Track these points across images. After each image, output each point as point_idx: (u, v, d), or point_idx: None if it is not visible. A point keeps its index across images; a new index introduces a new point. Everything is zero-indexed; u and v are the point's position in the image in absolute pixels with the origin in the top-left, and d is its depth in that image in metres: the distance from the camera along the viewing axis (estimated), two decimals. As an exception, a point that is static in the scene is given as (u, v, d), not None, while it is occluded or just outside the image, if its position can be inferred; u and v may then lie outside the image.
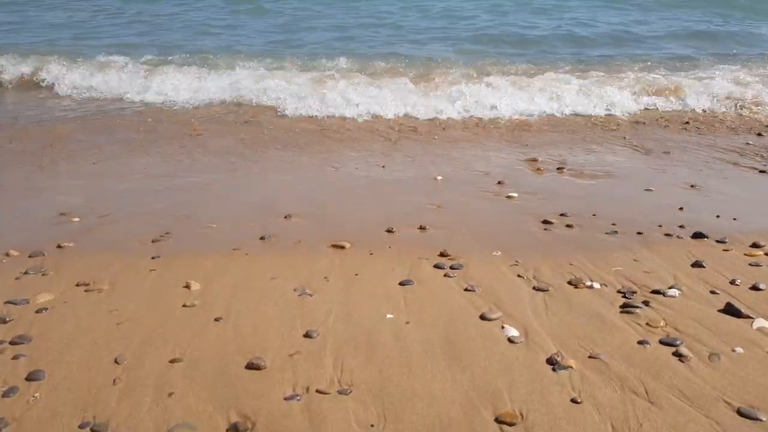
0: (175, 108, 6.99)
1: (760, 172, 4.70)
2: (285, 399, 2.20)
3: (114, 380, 2.30)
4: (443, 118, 6.45)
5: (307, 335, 2.58)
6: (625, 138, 5.68)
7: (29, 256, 3.35)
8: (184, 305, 2.82)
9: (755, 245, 3.38)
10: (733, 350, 2.43)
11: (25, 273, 3.16)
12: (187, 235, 3.64)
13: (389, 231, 3.65)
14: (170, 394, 2.23)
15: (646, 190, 4.32)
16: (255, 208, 4.07)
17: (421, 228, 3.70)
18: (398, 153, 5.30)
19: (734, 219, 3.78)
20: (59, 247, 3.47)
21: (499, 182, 4.47)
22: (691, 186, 4.39)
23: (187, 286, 2.99)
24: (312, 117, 6.57)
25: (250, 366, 2.38)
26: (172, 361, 2.41)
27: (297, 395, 2.22)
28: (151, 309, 2.80)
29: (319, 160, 5.12)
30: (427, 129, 6.10)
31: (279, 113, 6.71)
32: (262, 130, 6.08)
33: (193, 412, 2.14)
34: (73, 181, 4.62)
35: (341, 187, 4.48)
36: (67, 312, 2.78)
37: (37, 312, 2.78)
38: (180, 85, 7.56)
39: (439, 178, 4.61)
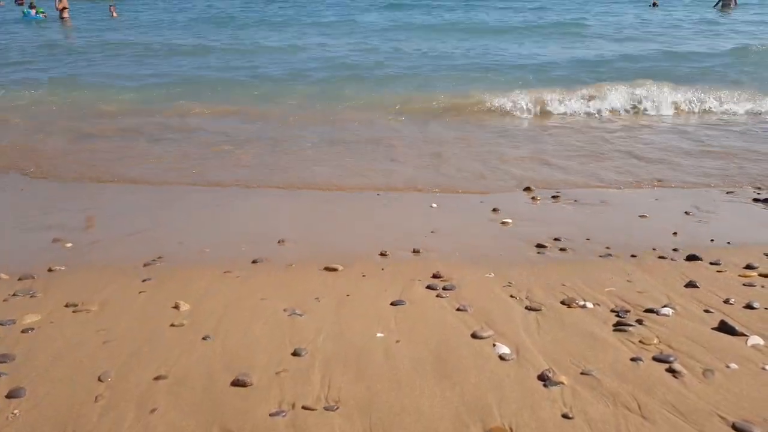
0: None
1: (754, 200, 4.70)
2: (270, 415, 2.16)
3: (96, 397, 2.26)
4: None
5: (295, 353, 2.54)
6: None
7: (18, 279, 3.33)
8: (172, 325, 2.79)
9: (749, 266, 3.36)
10: (728, 366, 2.39)
11: (14, 295, 3.14)
12: (180, 259, 3.62)
13: (382, 254, 3.64)
14: (153, 411, 2.18)
15: (640, 216, 4.32)
16: (249, 233, 4.07)
17: (415, 251, 3.68)
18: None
19: (728, 243, 3.77)
20: (50, 270, 3.46)
21: (494, 209, 4.48)
22: (685, 212, 4.39)
23: (176, 307, 2.97)
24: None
25: (236, 383, 2.34)
26: (156, 378, 2.37)
27: (282, 411, 2.17)
28: (139, 328, 2.77)
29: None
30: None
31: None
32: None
33: (176, 428, 2.10)
34: (68, 207, 4.63)
35: (336, 213, 4.48)
36: (54, 332, 2.75)
37: (23, 332, 2.74)
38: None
39: (434, 205, 4.62)
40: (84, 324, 2.82)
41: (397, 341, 2.64)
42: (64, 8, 25.12)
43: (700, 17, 22.83)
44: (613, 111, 8.09)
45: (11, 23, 24.18)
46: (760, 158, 5.86)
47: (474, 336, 2.67)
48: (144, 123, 7.63)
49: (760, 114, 7.80)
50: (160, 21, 23.05)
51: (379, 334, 2.70)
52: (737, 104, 8.10)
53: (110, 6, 28.30)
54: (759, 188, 4.97)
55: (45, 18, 25.68)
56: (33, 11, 26.21)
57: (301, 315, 2.88)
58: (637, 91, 8.30)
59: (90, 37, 17.56)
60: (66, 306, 3.00)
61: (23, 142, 6.76)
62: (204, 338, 2.66)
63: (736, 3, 29.21)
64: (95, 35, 18.20)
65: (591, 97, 8.27)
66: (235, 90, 9.67)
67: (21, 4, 35.01)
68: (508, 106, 8.06)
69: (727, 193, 4.86)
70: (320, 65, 11.83)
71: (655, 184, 5.15)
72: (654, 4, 32.06)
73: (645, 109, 8.08)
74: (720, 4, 29.56)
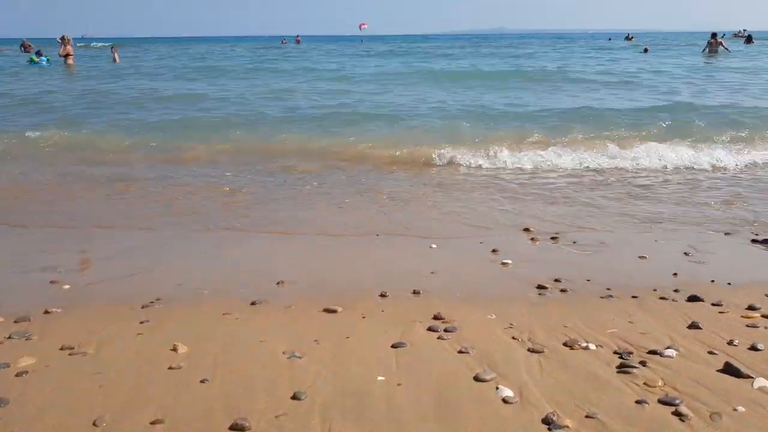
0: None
1: (752, 241, 4.71)
2: (269, 461, 2.10)
3: (91, 442, 2.20)
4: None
5: (294, 397, 2.50)
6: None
7: (14, 321, 3.29)
8: (170, 367, 2.74)
9: (751, 307, 3.34)
10: (735, 409, 2.35)
11: (9, 337, 3.09)
12: (178, 301, 3.59)
13: (382, 295, 3.62)
14: (149, 456, 2.13)
15: (639, 257, 4.31)
16: (247, 274, 4.05)
17: (415, 292, 3.66)
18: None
19: (729, 283, 3.76)
20: (47, 312, 3.42)
21: (493, 250, 4.47)
22: (684, 253, 4.39)
23: (174, 349, 2.92)
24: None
25: (235, 427, 2.29)
26: (153, 423, 2.32)
27: (282, 457, 2.12)
28: (136, 371, 2.72)
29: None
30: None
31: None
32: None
33: (172, 475, 2.04)
34: (65, 249, 4.61)
35: (335, 253, 4.47)
36: (49, 375, 2.70)
37: (17, 375, 2.69)
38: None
39: (434, 246, 4.61)
40: (80, 367, 2.77)
41: (399, 384, 2.60)
42: (68, 54, 25.58)
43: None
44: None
45: (20, 68, 24.65)
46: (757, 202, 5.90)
47: (476, 379, 2.63)
48: (141, 165, 7.69)
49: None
50: (158, 67, 23.43)
51: (380, 377, 2.66)
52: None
53: (111, 48, 28.88)
54: (765, 240, 4.98)
55: (48, 64, 26.16)
56: (38, 57, 26.66)
57: (300, 357, 2.84)
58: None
59: (86, 84, 17.88)
60: (62, 349, 2.95)
61: (15, 184, 6.79)
62: (202, 381, 2.62)
63: (726, 48, 30.01)
64: (91, 83, 18.52)
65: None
66: (233, 131, 9.83)
67: (27, 51, 35.68)
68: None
69: (726, 234, 4.87)
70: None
71: (654, 225, 5.17)
72: (645, 50, 33.03)
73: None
74: (707, 49, 30.46)
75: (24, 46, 38.16)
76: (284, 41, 63.48)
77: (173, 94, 15.13)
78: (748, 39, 40.17)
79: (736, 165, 7.49)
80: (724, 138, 8.85)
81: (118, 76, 20.75)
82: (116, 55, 27.71)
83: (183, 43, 73.13)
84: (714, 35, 31.17)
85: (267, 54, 36.59)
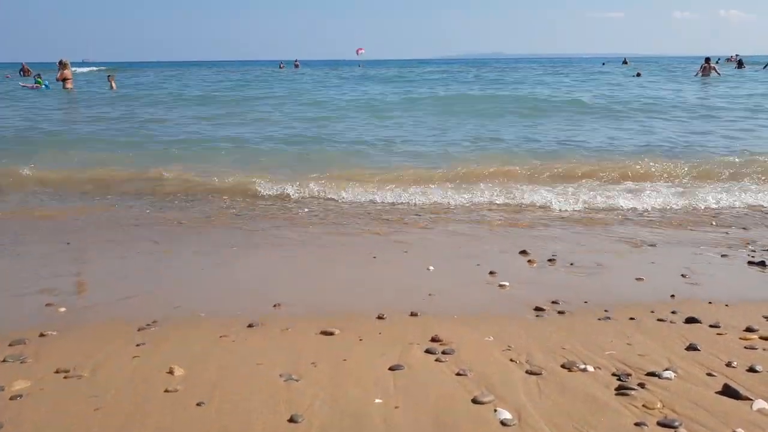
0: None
1: (749, 263, 4.72)
2: (266, 485, 2.08)
3: (86, 466, 2.18)
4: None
5: (291, 420, 2.48)
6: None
7: (9, 345, 3.27)
8: (166, 390, 2.72)
9: (749, 329, 3.34)
10: (734, 431, 2.34)
11: (4, 361, 3.07)
12: (175, 324, 3.57)
13: (380, 317, 3.61)
14: (144, 481, 2.10)
15: (636, 279, 4.32)
16: (245, 296, 4.04)
17: (413, 314, 3.65)
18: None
19: (726, 305, 3.76)
20: (42, 335, 3.40)
21: (491, 272, 4.48)
22: (681, 275, 4.40)
23: (171, 372, 2.90)
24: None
25: (231, 451, 2.26)
26: (148, 447, 2.29)
27: (279, 481, 2.10)
28: (132, 394, 2.70)
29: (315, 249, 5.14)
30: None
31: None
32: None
33: (167, 499, 2.01)
34: (61, 271, 4.60)
35: (332, 275, 4.47)
36: (44, 398, 2.68)
37: (11, 399, 2.67)
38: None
39: (431, 268, 4.61)
40: (75, 390, 2.75)
41: (396, 407, 2.58)
42: (66, 79, 25.67)
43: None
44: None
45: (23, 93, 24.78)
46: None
47: (475, 401, 2.61)
48: (140, 186, 7.71)
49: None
50: (154, 95, 23.53)
51: (377, 400, 2.64)
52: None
53: (108, 76, 29.10)
54: (753, 251, 5.00)
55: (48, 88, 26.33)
56: (35, 82, 26.85)
57: (297, 380, 2.83)
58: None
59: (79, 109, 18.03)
60: (57, 372, 2.93)
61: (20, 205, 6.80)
62: (198, 404, 2.60)
63: (718, 72, 30.51)
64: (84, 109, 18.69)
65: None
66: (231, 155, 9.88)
67: (26, 75, 35.92)
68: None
69: (722, 256, 4.89)
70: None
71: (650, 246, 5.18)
72: (638, 74, 33.56)
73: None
74: (699, 73, 30.97)
75: (23, 71, 38.44)
76: (282, 65, 64.05)
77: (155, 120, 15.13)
78: (740, 63, 41.33)
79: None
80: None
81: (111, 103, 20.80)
82: (113, 82, 27.92)
83: (182, 68, 73.83)
84: (707, 60, 31.72)
85: (246, 79, 36.91)
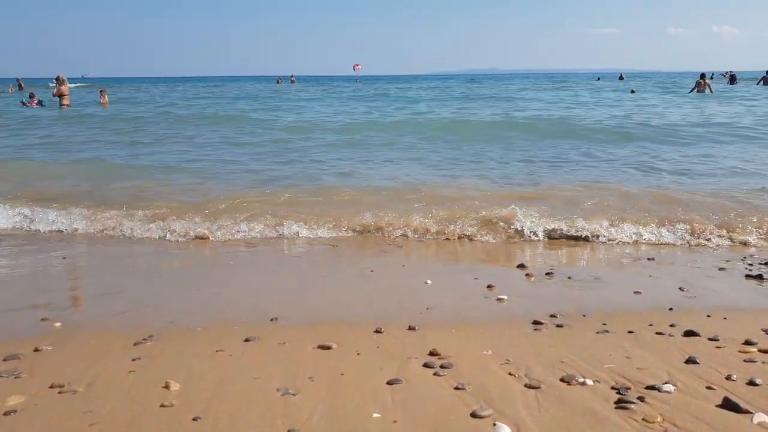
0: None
1: (746, 276, 4.72)
2: (262, 501, 2.05)
3: (79, 483, 2.15)
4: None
5: (288, 434, 2.45)
6: (610, 245, 5.76)
7: (3, 360, 3.24)
8: (162, 405, 2.70)
9: (748, 342, 3.33)
10: (735, 445, 2.33)
11: (-2, 376, 3.04)
12: (171, 339, 3.55)
13: (378, 331, 3.59)
14: (139, 497, 2.07)
15: (635, 292, 4.31)
16: (242, 311, 4.02)
17: (411, 328, 3.64)
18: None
19: (725, 318, 3.75)
20: (36, 350, 3.37)
21: (488, 286, 4.47)
22: (679, 288, 4.40)
23: (167, 387, 2.87)
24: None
25: (227, 466, 2.24)
26: (143, 462, 2.27)
27: (275, 496, 2.07)
28: (127, 409, 2.67)
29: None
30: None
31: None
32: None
33: None
34: (57, 286, 4.57)
35: (329, 289, 4.45)
36: (38, 414, 2.65)
37: (5, 414, 2.63)
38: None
39: (429, 282, 4.60)
40: (69, 405, 2.72)
41: (395, 421, 2.56)
42: (63, 95, 25.43)
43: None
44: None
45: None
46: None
47: (473, 415, 2.59)
48: (136, 198, 7.70)
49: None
50: (148, 111, 23.57)
51: (375, 415, 2.62)
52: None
53: (101, 91, 29.24)
54: (750, 264, 5.01)
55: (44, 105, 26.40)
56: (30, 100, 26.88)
57: (294, 395, 2.80)
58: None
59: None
60: (51, 387, 2.90)
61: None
62: (194, 419, 2.57)
63: (711, 89, 30.80)
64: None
65: None
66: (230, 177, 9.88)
67: (21, 89, 36.05)
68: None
69: (719, 269, 4.89)
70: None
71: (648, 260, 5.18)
72: (632, 91, 33.92)
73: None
74: (695, 89, 31.29)
75: (19, 86, 38.56)
76: (280, 80, 64.48)
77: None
78: (732, 79, 41.89)
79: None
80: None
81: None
82: (105, 97, 28.12)
83: (182, 83, 74.18)
84: (703, 75, 32.03)
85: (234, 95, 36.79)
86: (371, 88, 46.26)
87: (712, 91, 30.77)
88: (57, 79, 26.33)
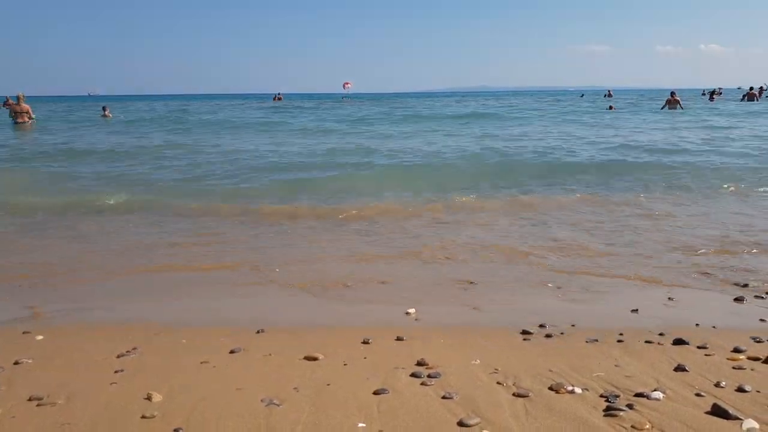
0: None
1: (734, 284, 4.72)
2: None
3: (55, 495, 2.08)
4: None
5: (272, 445, 2.40)
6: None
7: (-18, 373, 3.17)
8: (143, 416, 2.63)
9: (737, 350, 3.31)
10: (725, 451, 2.29)
11: (-25, 389, 2.97)
12: (155, 350, 3.49)
13: (365, 342, 3.54)
14: None
15: (624, 303, 4.29)
16: (227, 323, 3.97)
17: (398, 339, 3.59)
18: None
19: (714, 326, 3.74)
20: (16, 363, 3.30)
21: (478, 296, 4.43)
22: (669, 299, 4.38)
23: (149, 398, 2.81)
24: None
25: (208, 477, 2.18)
26: (122, 474, 2.20)
27: (257, 507, 2.01)
28: (108, 421, 2.60)
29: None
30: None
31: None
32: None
33: None
34: (42, 299, 4.50)
35: (316, 301, 4.41)
36: (14, 426, 2.58)
37: (-19, 427, 2.57)
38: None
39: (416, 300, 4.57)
40: (47, 418, 2.65)
41: (380, 431, 2.51)
42: (22, 112, 23.42)
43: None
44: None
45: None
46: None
47: (461, 424, 2.55)
48: (132, 214, 7.64)
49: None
50: (146, 123, 23.56)
51: (360, 424, 2.57)
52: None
53: (103, 106, 29.44)
54: (745, 285, 4.99)
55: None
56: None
57: (278, 405, 2.75)
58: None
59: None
60: (29, 399, 2.83)
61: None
62: (176, 430, 2.51)
63: (681, 106, 31.45)
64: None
65: None
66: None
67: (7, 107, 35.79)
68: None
69: (707, 281, 4.88)
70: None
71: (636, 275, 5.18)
72: (610, 108, 34.38)
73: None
74: (666, 107, 31.97)
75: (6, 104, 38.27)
76: (276, 97, 64.55)
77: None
78: (712, 95, 42.59)
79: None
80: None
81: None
82: (107, 112, 28.40)
83: (181, 100, 74.41)
84: (673, 93, 32.74)
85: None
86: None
87: (682, 108, 31.31)
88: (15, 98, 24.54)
